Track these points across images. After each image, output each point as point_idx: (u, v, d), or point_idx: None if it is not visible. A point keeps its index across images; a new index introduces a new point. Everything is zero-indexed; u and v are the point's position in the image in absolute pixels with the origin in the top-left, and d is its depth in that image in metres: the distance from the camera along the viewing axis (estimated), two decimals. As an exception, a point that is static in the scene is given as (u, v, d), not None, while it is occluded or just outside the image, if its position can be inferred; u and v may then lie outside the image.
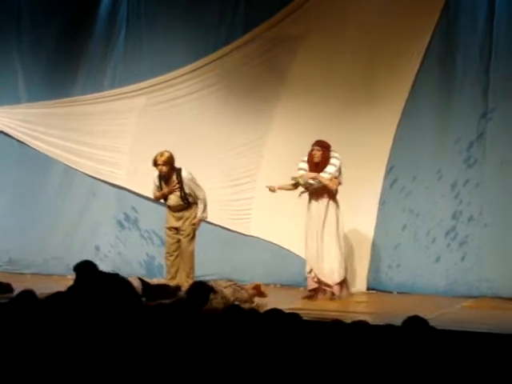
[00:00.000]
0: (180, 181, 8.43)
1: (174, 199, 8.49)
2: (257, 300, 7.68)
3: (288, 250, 9.48)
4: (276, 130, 9.65)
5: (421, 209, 9.14)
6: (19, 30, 10.50)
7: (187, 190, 8.43)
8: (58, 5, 10.40)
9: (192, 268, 8.48)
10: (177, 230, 8.54)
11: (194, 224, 8.48)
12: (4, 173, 10.53)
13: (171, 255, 8.58)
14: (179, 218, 8.52)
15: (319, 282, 8.41)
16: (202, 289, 7.23)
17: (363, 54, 9.26)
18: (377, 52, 9.23)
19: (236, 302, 7.16)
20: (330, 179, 8.33)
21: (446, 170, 9.06)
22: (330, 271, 8.38)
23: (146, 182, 9.87)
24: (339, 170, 8.40)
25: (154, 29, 10.08)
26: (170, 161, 8.41)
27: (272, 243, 9.59)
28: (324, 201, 8.40)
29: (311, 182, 8.34)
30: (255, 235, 9.69)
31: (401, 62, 9.14)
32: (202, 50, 9.84)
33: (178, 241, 8.56)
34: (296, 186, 8.45)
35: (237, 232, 9.53)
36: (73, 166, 10.34)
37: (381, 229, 9.26)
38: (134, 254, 10.15)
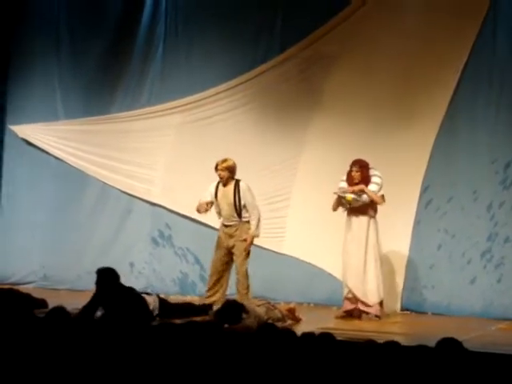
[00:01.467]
0: (237, 190, 8.34)
1: (226, 210, 8.36)
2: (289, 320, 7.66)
3: (321, 269, 9.45)
4: (310, 149, 9.65)
5: (456, 229, 9.07)
6: (58, 48, 10.60)
7: (243, 201, 8.31)
8: (97, 23, 10.49)
9: (247, 288, 8.29)
10: (227, 249, 8.41)
11: (245, 240, 8.32)
12: (41, 189, 10.62)
13: (214, 274, 8.45)
14: (230, 236, 8.38)
15: (358, 302, 8.32)
16: (233, 308, 7.20)
17: (398, 72, 9.24)
18: (413, 70, 9.20)
19: (269, 321, 7.14)
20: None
21: (482, 190, 8.99)
22: (370, 291, 8.31)
23: (181, 200, 9.94)
24: (381, 188, 8.35)
25: (191, 47, 10.14)
26: (230, 168, 8.36)
27: (305, 262, 9.57)
28: (365, 219, 8.33)
29: (357, 198, 8.23)
30: (288, 253, 9.67)
31: (437, 80, 9.10)
32: (238, 69, 9.88)
33: (227, 262, 8.44)
34: (337, 205, 8.37)
35: (270, 250, 9.51)
36: (109, 183, 10.41)
37: (416, 249, 9.20)
38: (168, 271, 10.17)
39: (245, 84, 9.85)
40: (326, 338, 4.06)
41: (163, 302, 7.99)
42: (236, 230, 8.37)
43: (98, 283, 7.60)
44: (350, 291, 8.36)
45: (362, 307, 8.35)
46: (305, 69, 9.64)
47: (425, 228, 9.19)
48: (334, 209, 8.46)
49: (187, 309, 8.07)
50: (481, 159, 9.00)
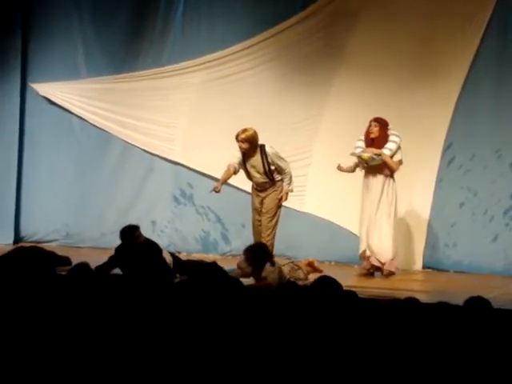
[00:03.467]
0: (265, 156, 8.21)
1: (258, 177, 8.27)
2: (311, 277, 7.67)
3: (342, 227, 9.45)
4: (332, 107, 9.60)
5: (479, 187, 9.04)
6: (80, 5, 10.55)
7: (272, 166, 8.22)
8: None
9: (270, 246, 8.15)
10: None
11: (280, 199, 8.27)
12: (63, 148, 10.64)
13: (255, 235, 8.37)
14: (264, 198, 8.33)
15: (371, 258, 8.35)
16: (262, 251, 7.21)
17: (421, 29, 9.15)
18: (435, 26, 9.11)
19: (291, 280, 7.17)
20: (391, 156, 8.25)
21: (505, 148, 8.93)
22: (381, 249, 8.31)
23: (202, 158, 9.94)
24: (399, 147, 8.32)
25: (212, 4, 10.08)
26: (251, 139, 8.17)
27: (326, 220, 9.57)
28: (382, 178, 8.31)
29: (374, 157, 8.23)
30: (309, 212, 9.67)
31: (460, 36, 9.01)
32: (259, 26, 9.81)
33: None
34: (356, 166, 8.37)
35: (291, 208, 9.51)
36: (130, 142, 10.42)
37: (437, 207, 9.18)
38: (190, 230, 10.20)
39: (266, 41, 9.79)
40: (349, 295, 4.07)
41: (176, 259, 8.03)
42: (268, 191, 8.31)
43: (121, 246, 7.66)
44: (365, 249, 8.37)
45: (375, 263, 8.34)
46: (327, 25, 9.56)
47: (447, 186, 9.16)
48: (353, 170, 8.44)
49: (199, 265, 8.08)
50: (504, 117, 8.93)
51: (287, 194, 8.34)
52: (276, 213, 8.33)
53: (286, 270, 7.62)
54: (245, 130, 8.21)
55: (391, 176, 8.35)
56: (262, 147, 8.26)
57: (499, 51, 8.94)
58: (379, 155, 8.20)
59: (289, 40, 9.72)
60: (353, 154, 8.35)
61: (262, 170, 8.24)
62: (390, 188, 8.34)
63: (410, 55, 9.21)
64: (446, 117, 9.13)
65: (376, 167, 8.30)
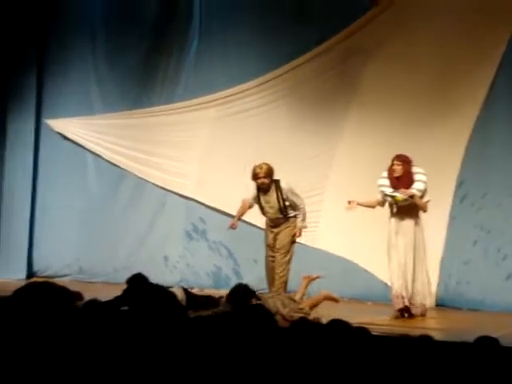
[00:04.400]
0: (280, 192, 8.22)
1: (272, 213, 8.27)
2: (314, 313, 7.55)
3: (355, 264, 9.43)
4: (346, 143, 9.62)
5: (492, 225, 9.01)
6: (94, 42, 10.66)
7: (287, 202, 8.22)
8: (133, 17, 10.54)
9: (283, 283, 8.20)
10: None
11: (293, 235, 8.27)
12: (76, 183, 10.70)
13: (268, 271, 8.38)
14: (277, 234, 8.33)
15: (405, 299, 8.10)
16: (243, 292, 7.13)
17: (435, 66, 9.19)
18: (449, 64, 9.14)
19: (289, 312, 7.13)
20: (421, 197, 8.10)
21: (518, 186, 8.93)
22: (417, 292, 8.14)
23: (215, 193, 9.96)
24: (426, 187, 8.11)
25: (226, 41, 10.15)
26: (270, 173, 8.20)
27: (339, 256, 9.55)
28: (413, 219, 8.10)
29: (408, 199, 8.00)
30: (322, 248, 9.66)
31: (474, 74, 9.04)
32: (273, 62, 9.87)
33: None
34: (379, 203, 8.23)
35: (303, 244, 9.50)
36: (143, 177, 10.45)
37: (450, 244, 9.14)
38: (202, 265, 10.20)
39: (280, 77, 9.84)
40: (360, 332, 4.05)
41: (189, 294, 8.00)
42: (281, 228, 8.32)
43: (126, 291, 7.58)
44: (398, 289, 8.12)
45: (408, 305, 8.13)
46: (341, 62, 9.61)
47: (460, 223, 9.13)
48: (373, 206, 8.25)
49: (211, 301, 8.05)
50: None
51: (301, 230, 8.33)
52: (290, 249, 8.33)
53: (272, 302, 7.41)
54: (261, 167, 8.21)
55: (420, 217, 8.16)
56: (277, 183, 8.27)
57: (512, 87, 8.96)
58: (412, 197, 8.04)
59: (303, 76, 9.77)
60: (384, 195, 8.13)
61: (276, 205, 8.25)
62: (421, 231, 8.16)
63: (423, 91, 9.24)
64: (459, 154, 9.13)
65: (407, 207, 8.11)
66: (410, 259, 8.14)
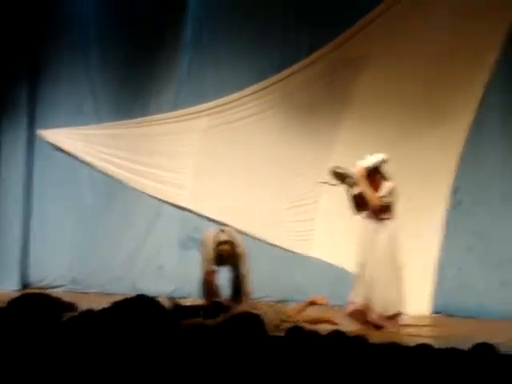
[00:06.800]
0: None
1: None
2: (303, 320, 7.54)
3: (349, 272, 9.40)
4: (338, 152, 9.62)
5: (486, 231, 9.01)
6: (87, 52, 10.67)
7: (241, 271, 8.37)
8: (126, 28, 10.55)
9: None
10: None
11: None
12: (70, 194, 10.68)
13: None
14: None
15: (371, 311, 7.90)
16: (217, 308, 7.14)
17: (427, 73, 9.20)
18: (441, 70, 9.16)
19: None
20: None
21: (513, 192, 8.94)
22: (385, 302, 7.88)
23: (210, 203, 9.95)
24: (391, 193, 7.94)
25: (218, 51, 10.17)
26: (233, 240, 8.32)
27: (333, 264, 9.54)
28: (382, 222, 7.94)
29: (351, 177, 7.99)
30: (316, 256, 9.65)
31: (467, 80, 9.06)
32: (264, 72, 9.89)
33: None
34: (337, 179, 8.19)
35: (298, 253, 9.49)
36: (137, 187, 10.44)
37: (445, 251, 9.15)
38: (197, 275, 10.16)
39: (272, 87, 9.86)
40: (358, 340, 4.05)
41: (176, 304, 7.99)
42: None
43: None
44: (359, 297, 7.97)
45: (375, 318, 7.90)
46: (331, 72, 9.63)
47: (455, 230, 9.14)
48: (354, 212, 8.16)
49: (199, 309, 8.04)
50: (511, 161, 8.94)
51: None
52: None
53: (262, 310, 7.37)
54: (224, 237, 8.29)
55: (392, 219, 7.96)
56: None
57: (505, 95, 8.97)
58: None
59: (294, 86, 9.78)
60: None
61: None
62: (388, 234, 7.91)
63: (415, 100, 9.25)
64: (453, 160, 9.14)
65: (375, 210, 7.94)
66: (375, 265, 7.88)
